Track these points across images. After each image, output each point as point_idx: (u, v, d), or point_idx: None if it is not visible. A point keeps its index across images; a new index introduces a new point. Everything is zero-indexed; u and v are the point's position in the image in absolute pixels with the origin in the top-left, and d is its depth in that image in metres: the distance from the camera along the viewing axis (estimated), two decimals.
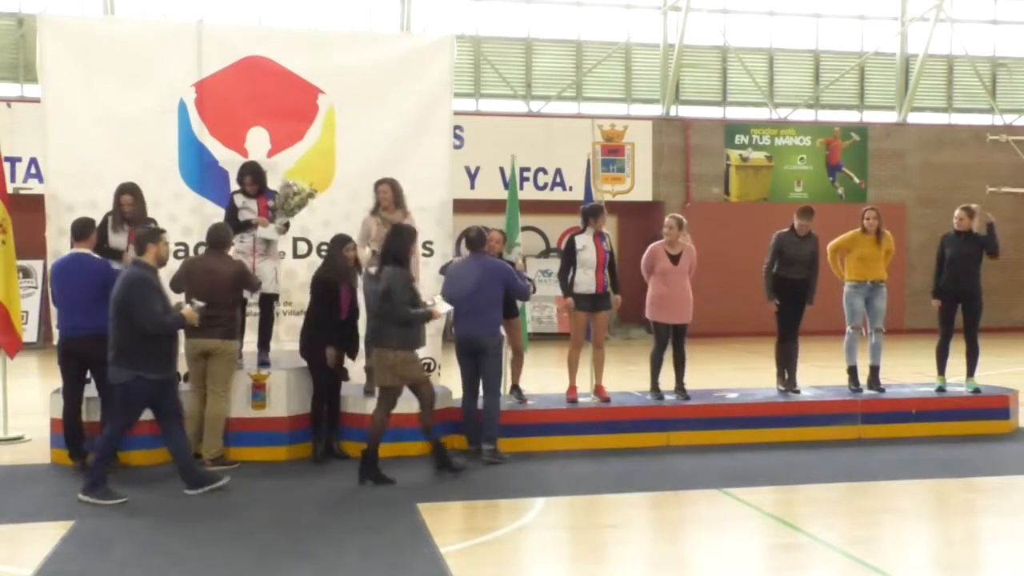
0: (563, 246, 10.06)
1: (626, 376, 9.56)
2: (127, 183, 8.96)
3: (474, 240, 9.06)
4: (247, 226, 9.12)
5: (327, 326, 8.75)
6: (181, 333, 8.79)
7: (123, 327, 7.47)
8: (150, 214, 9.51)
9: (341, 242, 8.92)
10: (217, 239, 8.67)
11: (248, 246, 9.17)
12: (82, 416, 8.47)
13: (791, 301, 10.20)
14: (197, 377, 8.64)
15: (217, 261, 8.58)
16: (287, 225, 9.42)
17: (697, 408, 9.83)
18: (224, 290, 8.49)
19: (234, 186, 9.57)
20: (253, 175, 9.27)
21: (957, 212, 10.57)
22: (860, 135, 22.65)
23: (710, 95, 22.66)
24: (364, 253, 9.19)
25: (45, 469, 8.69)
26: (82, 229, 8.48)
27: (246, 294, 9.01)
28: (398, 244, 8.19)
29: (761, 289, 10.32)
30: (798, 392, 10.30)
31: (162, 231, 7.90)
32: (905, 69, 23.11)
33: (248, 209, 9.19)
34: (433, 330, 10.35)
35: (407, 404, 9.16)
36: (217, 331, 8.46)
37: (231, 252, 8.86)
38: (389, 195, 9.23)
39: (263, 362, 9.21)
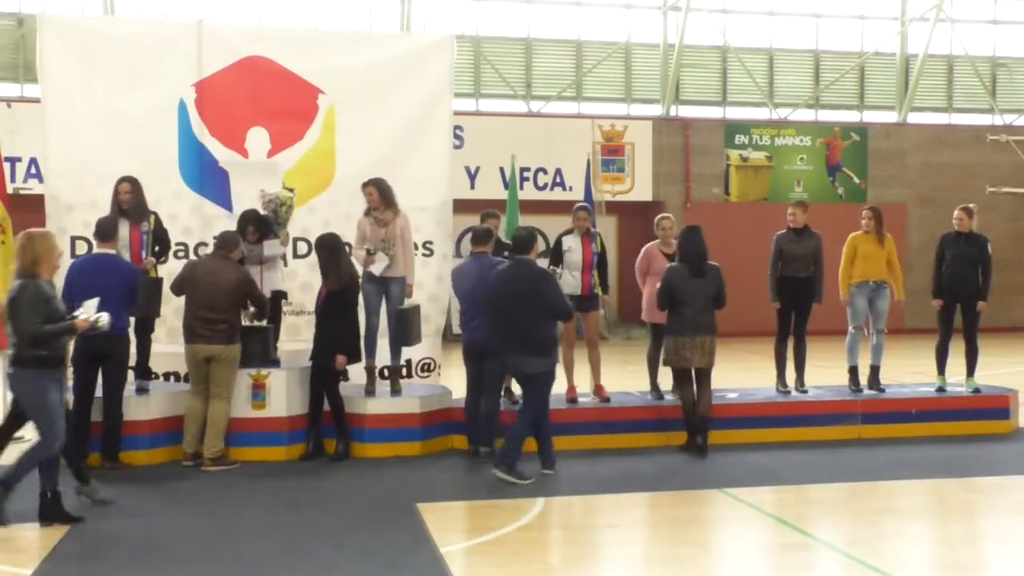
0: (551, 245, 10.04)
1: (626, 376, 9.56)
2: (126, 175, 8.95)
3: (477, 237, 9.06)
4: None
5: (342, 333, 8.83)
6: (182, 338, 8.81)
7: (537, 319, 8.08)
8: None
9: (337, 245, 8.93)
10: (224, 241, 8.71)
11: (257, 255, 9.20)
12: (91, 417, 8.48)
13: (796, 300, 10.19)
14: (199, 380, 8.64)
15: (222, 266, 8.59)
16: (287, 236, 9.47)
17: None
18: (226, 296, 8.51)
19: (234, 187, 9.58)
20: (255, 224, 9.26)
21: (956, 212, 10.56)
22: (860, 135, 22.65)
23: (710, 95, 22.66)
24: (360, 254, 9.18)
25: None
26: (107, 230, 8.47)
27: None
28: (703, 241, 8.94)
29: (766, 290, 10.31)
30: (806, 392, 10.29)
31: (538, 230, 8.16)
32: (905, 69, 23.10)
33: (255, 254, 9.21)
34: (433, 329, 10.37)
35: (408, 404, 9.19)
36: (219, 337, 8.49)
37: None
38: (375, 196, 9.20)
39: (273, 360, 9.21)
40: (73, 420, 8.36)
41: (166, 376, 9.78)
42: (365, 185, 9.24)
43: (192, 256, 9.70)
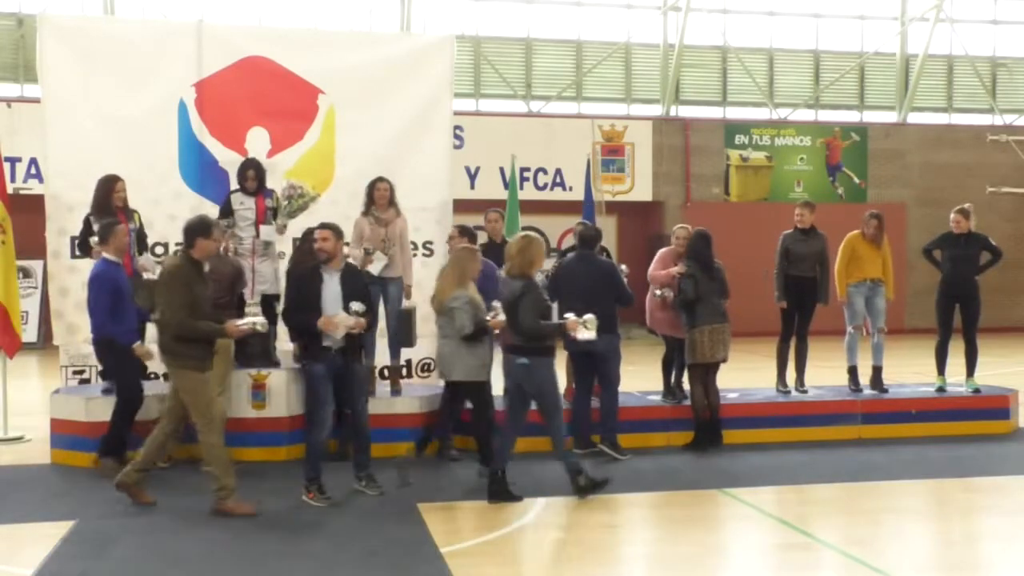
0: (561, 246, 10.06)
1: (626, 376, 9.56)
2: (110, 174, 8.87)
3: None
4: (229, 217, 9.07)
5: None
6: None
7: (607, 303, 8.85)
8: (150, 214, 9.54)
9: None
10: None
11: (248, 247, 9.15)
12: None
13: (801, 300, 10.19)
14: None
15: (216, 260, 8.57)
16: (285, 226, 9.41)
17: None
18: (225, 288, 8.52)
19: (234, 186, 9.56)
20: (256, 170, 9.22)
21: (953, 215, 10.54)
22: (860, 135, 22.65)
23: (710, 95, 22.67)
24: (357, 253, 9.17)
25: (45, 469, 8.69)
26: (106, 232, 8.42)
27: (246, 295, 9.02)
28: (710, 247, 9.28)
29: (765, 290, 10.32)
30: (806, 392, 10.30)
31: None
32: (905, 69, 23.11)
33: (246, 207, 9.14)
34: (433, 330, 10.35)
35: (408, 404, 9.20)
36: None
37: (230, 252, 8.90)
38: (388, 193, 9.25)
39: (274, 361, 9.19)
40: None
41: (166, 376, 9.76)
42: (380, 181, 9.25)
43: None
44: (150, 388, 9.27)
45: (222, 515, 7.15)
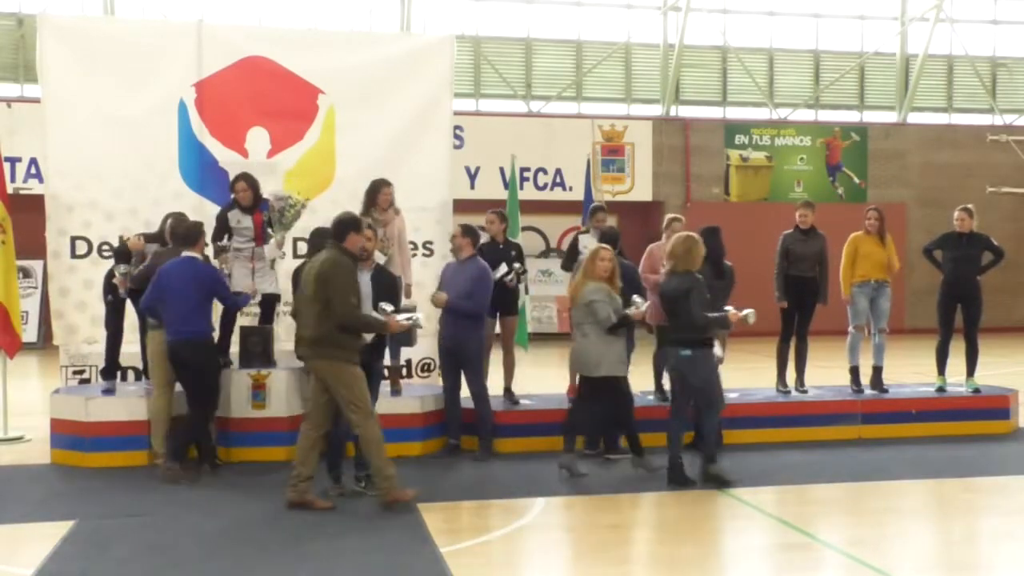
0: (561, 245, 10.05)
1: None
2: (175, 212, 8.89)
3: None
4: (225, 247, 9.02)
5: None
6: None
7: None
8: (150, 214, 9.53)
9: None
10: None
11: (247, 255, 9.10)
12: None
13: (800, 300, 10.19)
14: (164, 379, 8.49)
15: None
16: (283, 239, 9.36)
17: None
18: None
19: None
20: (247, 180, 9.12)
21: (957, 213, 10.55)
22: (860, 135, 22.65)
23: (710, 95, 22.67)
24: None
25: (45, 469, 8.69)
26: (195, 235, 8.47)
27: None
28: (722, 242, 9.29)
29: (765, 290, 10.32)
30: (806, 392, 10.30)
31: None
32: (905, 69, 23.11)
33: (243, 226, 9.02)
34: (432, 330, 10.35)
35: (408, 404, 9.20)
36: None
37: (231, 257, 8.92)
38: (391, 196, 9.24)
39: (272, 361, 9.19)
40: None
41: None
42: (386, 184, 9.20)
43: None
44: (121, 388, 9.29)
45: (390, 505, 7.21)
